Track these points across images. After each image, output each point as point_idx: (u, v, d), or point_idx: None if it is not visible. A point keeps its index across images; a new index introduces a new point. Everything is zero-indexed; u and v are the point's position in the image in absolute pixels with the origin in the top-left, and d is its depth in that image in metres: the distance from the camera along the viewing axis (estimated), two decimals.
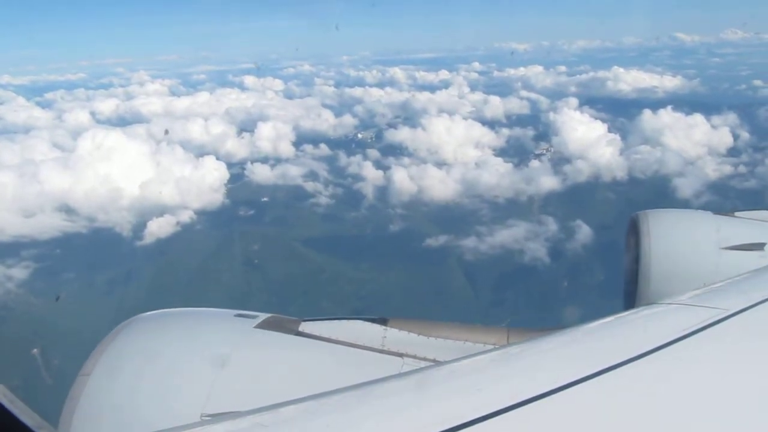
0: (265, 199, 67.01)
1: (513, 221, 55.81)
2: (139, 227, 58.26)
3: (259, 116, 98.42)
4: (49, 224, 59.74)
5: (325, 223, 61.38)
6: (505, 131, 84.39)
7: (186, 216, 60.51)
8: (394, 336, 2.71)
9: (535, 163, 71.26)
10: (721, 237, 3.56)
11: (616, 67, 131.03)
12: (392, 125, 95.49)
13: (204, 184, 65.53)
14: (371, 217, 62.00)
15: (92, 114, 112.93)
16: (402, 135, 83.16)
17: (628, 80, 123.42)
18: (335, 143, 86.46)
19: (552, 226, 54.46)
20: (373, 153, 79.49)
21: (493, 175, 66.19)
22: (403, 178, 64.98)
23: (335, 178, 73.21)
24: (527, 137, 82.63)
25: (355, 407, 1.50)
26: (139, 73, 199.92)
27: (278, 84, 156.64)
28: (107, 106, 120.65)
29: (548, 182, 62.57)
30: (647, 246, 3.47)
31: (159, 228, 57.65)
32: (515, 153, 76.68)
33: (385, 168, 73.06)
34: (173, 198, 63.76)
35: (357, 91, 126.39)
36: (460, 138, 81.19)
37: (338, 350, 2.63)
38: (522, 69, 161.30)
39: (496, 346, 2.66)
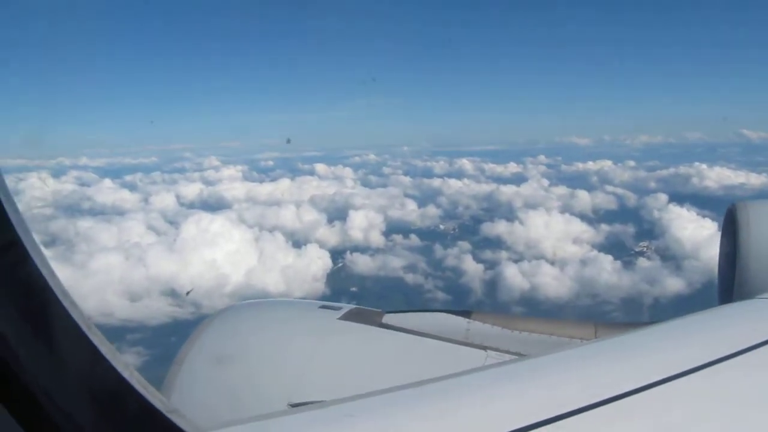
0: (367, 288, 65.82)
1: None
2: None
3: (345, 204, 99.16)
4: (156, 309, 59.29)
5: None
6: (605, 227, 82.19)
7: None
8: (478, 329, 2.68)
9: (643, 262, 68.64)
10: None
11: (698, 163, 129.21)
12: (480, 217, 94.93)
13: (308, 272, 64.61)
14: None
15: (177, 197, 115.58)
16: (498, 228, 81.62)
17: (713, 177, 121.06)
18: (425, 234, 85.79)
19: None
20: (465, 245, 78.10)
21: (604, 272, 63.58)
22: (513, 273, 62.76)
23: (434, 270, 71.51)
24: (627, 233, 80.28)
25: (440, 399, 1.50)
26: (210, 159, 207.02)
27: (349, 172, 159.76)
28: (191, 190, 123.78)
29: (673, 283, 59.52)
30: (746, 237, 3.13)
31: None
32: (614, 249, 74.22)
33: (484, 261, 71.52)
34: (278, 286, 62.95)
35: (435, 182, 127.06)
36: (557, 232, 79.22)
37: (422, 342, 2.58)
38: (591, 163, 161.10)
39: (584, 341, 2.52)
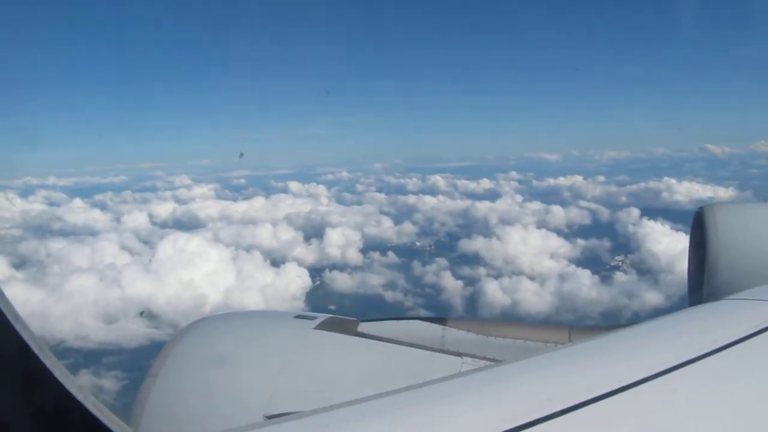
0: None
1: None
2: None
3: (321, 222, 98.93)
4: (133, 331, 57.97)
5: None
6: (580, 241, 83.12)
7: None
8: (453, 336, 2.69)
9: (620, 276, 69.49)
10: None
11: (666, 177, 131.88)
12: (456, 234, 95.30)
13: (287, 291, 64.05)
14: None
15: (150, 217, 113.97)
16: (476, 244, 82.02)
17: (682, 191, 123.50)
18: (402, 251, 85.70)
19: None
20: (443, 261, 78.17)
21: (583, 287, 64.19)
22: (494, 289, 63.01)
23: (414, 287, 71.38)
24: (603, 248, 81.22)
25: (416, 407, 1.52)
26: (181, 177, 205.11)
27: (322, 190, 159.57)
28: (164, 209, 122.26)
29: (651, 297, 60.32)
30: (713, 239, 3.18)
31: None
32: (591, 264, 75.04)
33: (463, 278, 71.66)
34: (257, 305, 62.08)
35: (410, 199, 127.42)
36: (534, 248, 79.88)
37: (397, 350, 2.59)
38: (562, 178, 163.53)
39: (559, 345, 2.53)
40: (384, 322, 2.80)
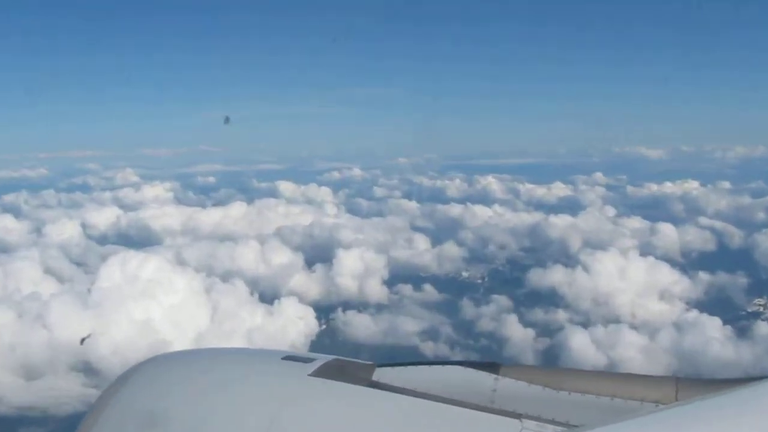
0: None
1: None
2: None
3: (329, 240, 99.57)
4: (65, 390, 58.29)
5: None
6: (703, 276, 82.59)
7: None
8: (509, 388, 2.68)
9: (763, 326, 68.76)
10: None
11: None
12: (521, 260, 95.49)
13: (284, 337, 64.06)
14: None
15: (83, 227, 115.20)
16: (552, 276, 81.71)
17: None
18: (444, 284, 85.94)
19: None
20: (503, 300, 77.86)
21: (712, 342, 63.55)
22: (582, 343, 62.57)
23: (463, 336, 71.46)
24: (736, 286, 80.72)
25: None
26: (125, 172, 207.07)
27: (326, 194, 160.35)
28: (103, 217, 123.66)
29: None
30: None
31: None
32: (719, 308, 74.34)
33: (534, 325, 71.34)
34: None
35: (453, 209, 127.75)
36: (637, 284, 79.30)
37: (428, 408, 2.58)
38: (669, 184, 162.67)
39: (662, 406, 2.53)
40: (410, 367, 2.84)
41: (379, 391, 2.68)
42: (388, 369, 2.86)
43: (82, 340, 51.68)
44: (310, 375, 2.71)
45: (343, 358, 2.92)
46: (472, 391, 2.67)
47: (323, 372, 2.73)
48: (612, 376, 2.80)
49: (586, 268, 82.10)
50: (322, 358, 2.85)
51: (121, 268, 73.77)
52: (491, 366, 2.82)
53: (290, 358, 2.88)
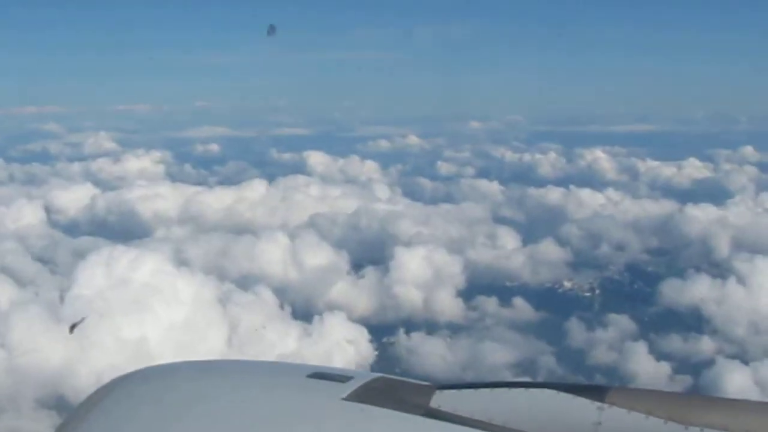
0: None
1: None
2: None
3: (381, 234, 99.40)
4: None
5: None
6: None
7: None
8: (619, 420, 2.66)
9: None
10: None
11: None
12: (645, 266, 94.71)
13: (329, 364, 65.17)
14: None
15: (47, 211, 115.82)
16: (693, 289, 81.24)
17: None
18: (540, 296, 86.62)
19: None
20: (624, 321, 77.67)
21: None
22: (743, 382, 62.27)
23: (571, 369, 71.49)
24: None
25: None
26: (98, 136, 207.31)
27: (372, 169, 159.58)
28: (72, 197, 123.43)
29: None
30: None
31: None
32: None
33: (670, 357, 71.16)
34: None
35: (550, 193, 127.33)
36: None
37: None
38: None
39: None
40: (481, 390, 2.97)
41: (439, 422, 2.74)
42: (452, 393, 2.89)
43: (72, 328, 52.51)
44: (344, 399, 2.82)
45: (390, 376, 3.07)
46: (567, 425, 2.69)
47: (363, 395, 2.82)
48: (762, 407, 2.81)
49: (740, 279, 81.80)
50: (361, 377, 2.99)
51: (104, 269, 74.15)
52: (595, 390, 2.85)
53: (318, 375, 3.03)
